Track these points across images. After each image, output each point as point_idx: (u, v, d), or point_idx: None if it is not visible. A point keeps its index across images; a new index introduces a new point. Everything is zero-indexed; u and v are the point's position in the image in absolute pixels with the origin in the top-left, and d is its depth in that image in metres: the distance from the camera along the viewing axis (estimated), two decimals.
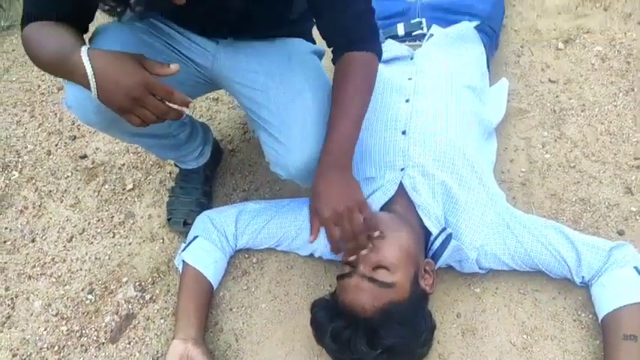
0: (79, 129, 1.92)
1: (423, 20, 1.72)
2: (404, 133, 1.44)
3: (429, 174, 1.38)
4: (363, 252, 1.22)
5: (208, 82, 1.42)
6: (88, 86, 1.06)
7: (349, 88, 1.23)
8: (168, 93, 1.07)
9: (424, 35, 1.70)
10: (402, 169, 1.40)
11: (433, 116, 1.46)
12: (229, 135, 1.83)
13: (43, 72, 2.11)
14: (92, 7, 1.23)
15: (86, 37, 1.20)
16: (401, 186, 1.39)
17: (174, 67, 1.09)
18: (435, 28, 1.70)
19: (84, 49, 1.05)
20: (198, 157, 1.61)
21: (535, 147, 1.67)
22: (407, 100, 1.50)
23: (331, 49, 1.29)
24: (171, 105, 1.09)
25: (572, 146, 1.66)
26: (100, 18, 1.20)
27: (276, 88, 1.31)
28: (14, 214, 1.73)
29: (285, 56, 1.36)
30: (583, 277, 1.33)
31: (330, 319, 1.22)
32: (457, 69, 1.58)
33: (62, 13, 1.16)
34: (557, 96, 1.78)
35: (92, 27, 1.22)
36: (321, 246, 1.46)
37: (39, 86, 2.07)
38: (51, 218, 1.70)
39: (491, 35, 1.75)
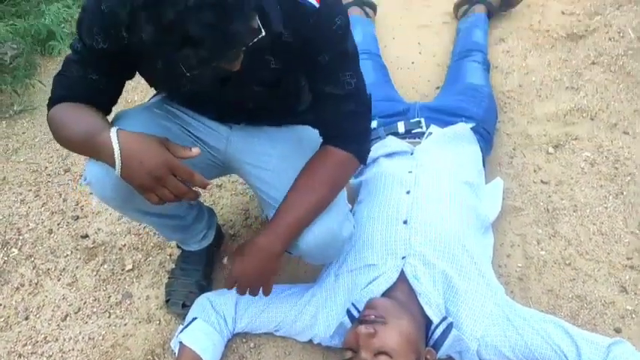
0: (82, 209, 1.95)
1: (422, 120, 1.82)
2: (405, 222, 1.49)
3: (430, 263, 1.41)
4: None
5: (220, 164, 1.48)
6: (113, 164, 1.11)
7: (315, 180, 1.29)
8: (189, 175, 1.13)
9: (423, 133, 1.79)
10: (404, 258, 1.43)
11: (434, 207, 1.51)
12: (231, 220, 1.86)
13: (50, 154, 2.17)
14: (119, 93, 1.32)
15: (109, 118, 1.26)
16: (402, 274, 1.41)
17: (195, 150, 1.16)
18: (434, 128, 1.79)
19: (114, 130, 1.12)
20: (202, 239, 1.63)
21: (530, 243, 1.72)
22: (408, 192, 1.56)
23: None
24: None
25: (566, 244, 1.71)
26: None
27: (286, 170, 1.36)
28: (10, 290, 1.71)
29: (296, 140, 1.44)
30: None
31: None
32: (455, 165, 1.66)
33: (92, 98, 1.24)
34: (549, 196, 1.85)
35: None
36: (321, 332, 1.46)
37: (46, 167, 2.12)
38: (47, 296, 1.69)
39: (485, 137, 1.85)
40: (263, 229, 1.31)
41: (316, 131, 1.52)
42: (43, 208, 1.97)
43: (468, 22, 2.47)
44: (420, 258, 1.42)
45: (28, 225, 1.91)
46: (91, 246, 1.82)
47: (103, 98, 1.27)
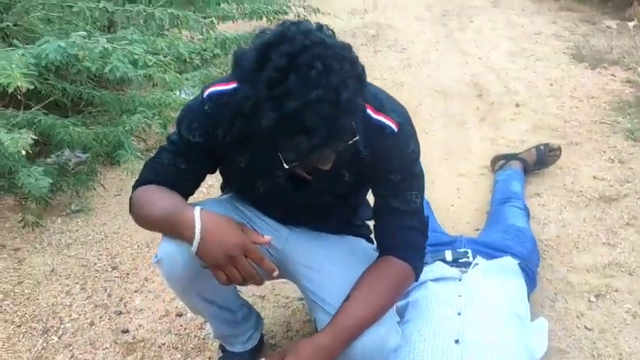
0: (125, 305, 1.97)
1: (469, 250, 1.89)
2: (457, 342, 1.49)
3: None
4: None
5: (275, 264, 1.53)
6: (191, 240, 1.19)
7: (377, 287, 1.34)
8: (260, 259, 1.21)
9: (469, 263, 1.84)
10: None
11: (487, 330, 1.52)
12: (272, 331, 1.86)
13: (100, 252, 2.24)
14: (199, 184, 1.43)
15: None
16: None
17: (267, 238, 1.25)
18: (480, 259, 1.85)
19: (198, 208, 1.22)
20: (247, 341, 1.64)
21: None
22: (459, 313, 1.58)
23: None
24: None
25: None
26: None
27: (339, 274, 1.41)
28: None
29: (351, 249, 1.52)
30: None
31: None
32: (504, 295, 1.69)
33: (177, 183, 1.35)
34: (594, 342, 1.84)
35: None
36: None
37: (95, 264, 2.18)
38: None
39: (530, 275, 1.90)
40: (318, 332, 1.33)
41: (369, 245, 1.60)
42: (87, 301, 1.99)
43: (505, 174, 2.63)
44: None
45: (71, 315, 1.92)
46: (131, 341, 1.82)
47: (187, 185, 1.39)
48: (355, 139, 1.17)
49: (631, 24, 4.91)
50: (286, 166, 1.16)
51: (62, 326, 1.88)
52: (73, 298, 2.00)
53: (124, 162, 2.44)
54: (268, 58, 1.03)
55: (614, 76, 4.06)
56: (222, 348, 1.70)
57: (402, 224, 1.38)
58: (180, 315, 1.93)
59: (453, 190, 2.71)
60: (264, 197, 1.45)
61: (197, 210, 1.22)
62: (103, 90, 2.59)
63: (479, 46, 4.74)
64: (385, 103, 1.34)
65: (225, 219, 1.24)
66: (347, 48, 1.10)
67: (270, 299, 2.01)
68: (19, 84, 1.62)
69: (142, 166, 1.43)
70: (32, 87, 1.76)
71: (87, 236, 2.34)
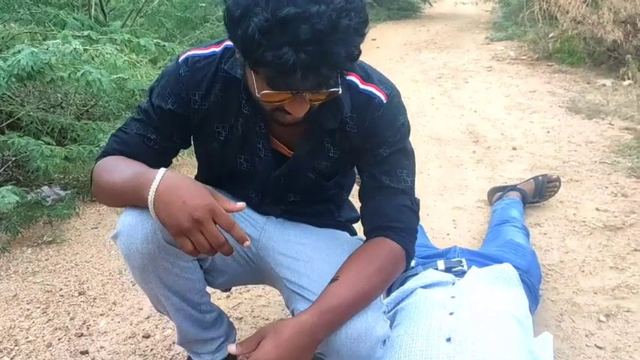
0: (88, 328, 1.80)
1: (464, 260, 1.73)
2: (448, 340, 1.32)
3: None
4: None
5: (251, 258, 1.39)
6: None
7: (368, 267, 1.21)
8: (230, 224, 1.07)
9: (464, 272, 1.68)
10: None
11: (481, 328, 1.35)
12: None
13: (68, 278, 2.09)
14: (169, 161, 1.33)
15: None
16: None
17: (240, 204, 1.12)
18: (475, 269, 1.69)
19: (162, 169, 1.10)
20: (216, 351, 1.46)
21: None
22: (451, 313, 1.41)
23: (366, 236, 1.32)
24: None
25: None
26: None
27: (321, 260, 1.30)
28: None
29: (332, 237, 1.40)
30: None
31: None
32: (502, 298, 1.52)
33: (144, 156, 1.24)
34: None
35: None
36: None
37: (60, 289, 2.02)
38: None
39: (531, 288, 1.73)
40: (301, 312, 1.17)
41: (354, 237, 1.47)
42: (47, 324, 1.82)
43: (504, 203, 2.50)
44: None
45: (27, 337, 1.75)
46: None
47: (155, 160, 1.25)
48: (336, 91, 1.08)
49: (625, 82, 4.95)
50: (258, 95, 1.05)
51: (16, 347, 1.70)
52: (33, 322, 1.83)
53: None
54: None
55: (612, 124, 3.99)
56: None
57: (393, 203, 1.27)
58: (147, 337, 1.75)
59: (448, 221, 2.57)
60: (244, 176, 1.34)
61: (162, 169, 1.11)
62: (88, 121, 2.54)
63: (474, 101, 4.73)
64: (373, 74, 1.27)
65: (193, 181, 1.11)
66: None
67: (249, 321, 1.83)
68: None
69: None
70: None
71: (56, 264, 2.19)
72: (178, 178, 1.10)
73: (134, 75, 1.94)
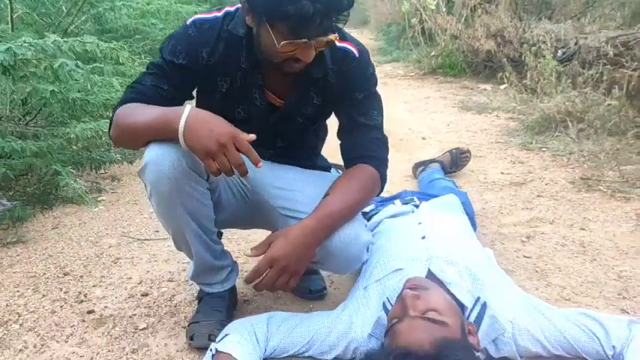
0: (86, 296, 1.91)
1: (415, 197, 2.08)
2: (423, 238, 1.64)
3: (453, 261, 1.53)
4: None
5: (247, 196, 1.63)
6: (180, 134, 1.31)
7: (353, 185, 1.51)
8: (248, 148, 1.33)
9: (417, 206, 2.02)
10: (428, 259, 1.54)
11: (450, 234, 1.69)
12: (243, 292, 1.89)
13: (48, 266, 2.17)
14: (181, 103, 1.55)
15: None
16: (429, 273, 1.51)
17: (252, 135, 1.36)
18: (425, 202, 2.04)
19: (188, 105, 1.34)
20: (224, 281, 1.67)
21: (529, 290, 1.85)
22: (423, 237, 1.70)
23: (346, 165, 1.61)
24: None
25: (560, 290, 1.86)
26: None
27: (311, 189, 1.58)
28: (12, 353, 1.59)
29: (320, 174, 1.70)
30: (614, 346, 1.39)
31: None
32: (453, 219, 1.88)
33: (158, 104, 1.46)
34: (534, 263, 2.05)
35: None
36: (358, 334, 1.46)
37: (44, 273, 2.11)
38: (54, 354, 1.58)
39: (470, 215, 2.10)
40: (304, 218, 1.44)
41: (333, 173, 1.76)
42: (43, 299, 1.91)
43: (427, 172, 2.90)
44: (443, 259, 1.54)
45: (28, 309, 1.84)
46: (99, 318, 1.77)
47: (167, 106, 1.46)
48: (336, 36, 1.37)
49: (502, 86, 5.67)
50: (277, 47, 1.32)
51: (21, 317, 1.79)
52: (28, 299, 1.92)
53: (63, 186, 2.46)
54: None
55: (499, 116, 4.62)
56: (199, 297, 1.71)
57: (368, 136, 1.57)
58: (145, 295, 1.91)
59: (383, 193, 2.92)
60: (243, 123, 1.58)
61: (188, 106, 1.35)
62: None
63: None
64: (346, 34, 1.56)
65: (214, 115, 1.35)
66: None
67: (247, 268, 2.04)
68: None
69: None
70: None
71: (29, 257, 2.26)
72: (202, 111, 1.35)
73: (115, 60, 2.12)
